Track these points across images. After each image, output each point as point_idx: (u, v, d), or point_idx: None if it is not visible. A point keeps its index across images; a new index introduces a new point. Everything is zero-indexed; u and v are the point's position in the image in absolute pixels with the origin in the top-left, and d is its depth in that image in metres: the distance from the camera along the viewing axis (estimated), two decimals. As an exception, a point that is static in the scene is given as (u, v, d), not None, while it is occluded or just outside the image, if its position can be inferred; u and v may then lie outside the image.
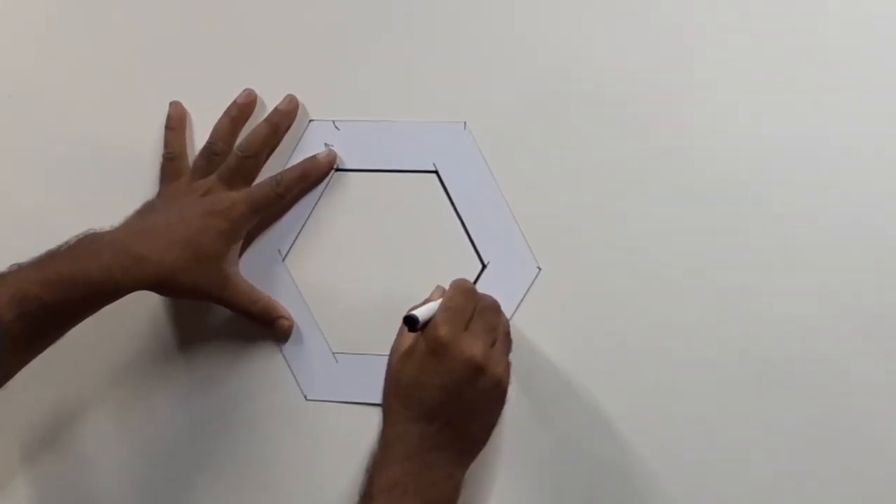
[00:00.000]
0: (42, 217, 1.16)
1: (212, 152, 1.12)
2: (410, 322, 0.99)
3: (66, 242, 1.06)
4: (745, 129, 1.03)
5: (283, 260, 1.12)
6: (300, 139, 1.12)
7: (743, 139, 1.03)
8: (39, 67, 1.17)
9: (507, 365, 1.03)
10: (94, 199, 1.14)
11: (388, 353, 1.08)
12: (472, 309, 1.01)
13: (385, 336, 1.09)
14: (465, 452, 1.02)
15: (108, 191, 1.14)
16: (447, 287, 1.02)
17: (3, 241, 1.15)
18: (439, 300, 1.01)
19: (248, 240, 1.12)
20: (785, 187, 1.02)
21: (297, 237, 1.12)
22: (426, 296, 1.08)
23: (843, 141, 1.01)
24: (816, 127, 1.01)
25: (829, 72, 1.01)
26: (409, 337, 1.00)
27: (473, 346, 0.99)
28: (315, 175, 1.11)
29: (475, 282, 1.08)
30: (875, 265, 1.00)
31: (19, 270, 1.04)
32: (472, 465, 1.06)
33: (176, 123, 1.13)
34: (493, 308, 1.03)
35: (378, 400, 1.09)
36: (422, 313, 1.00)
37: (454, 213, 1.09)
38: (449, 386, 0.99)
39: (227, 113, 1.12)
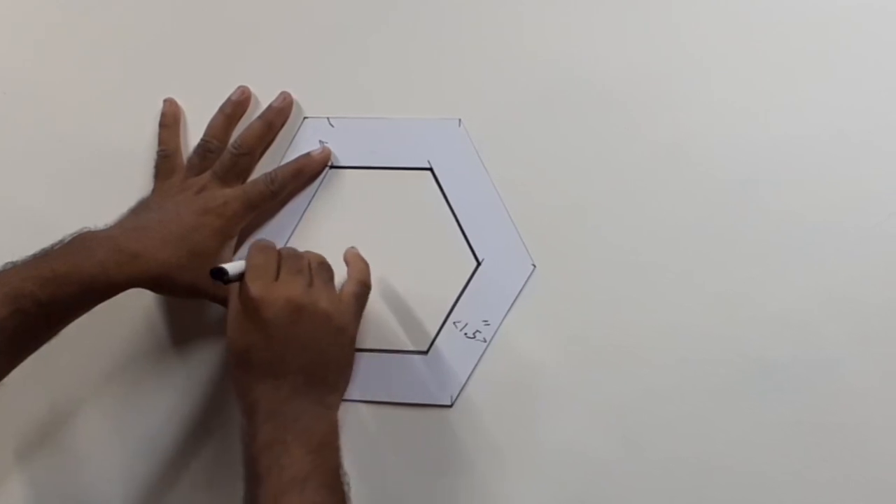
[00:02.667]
0: (36, 215, 1.15)
1: (206, 149, 1.12)
2: (219, 273, 0.99)
3: (61, 240, 1.06)
4: (742, 129, 1.03)
5: (278, 257, 1.12)
6: (295, 136, 1.12)
7: (739, 139, 1.03)
8: (33, 65, 1.17)
9: (335, 297, 1.03)
10: (89, 196, 1.14)
11: (383, 349, 1.09)
12: (275, 262, 1.01)
13: (380, 332, 1.09)
14: (327, 392, 1.02)
15: (103, 188, 1.14)
16: None
17: (-3, 239, 1.16)
18: (244, 261, 1.02)
19: (243, 237, 1.11)
20: (781, 187, 1.02)
21: (291, 234, 1.12)
22: (420, 292, 1.09)
23: (840, 141, 1.01)
24: (813, 127, 1.01)
25: (826, 72, 1.01)
26: (233, 310, 1.01)
27: (287, 289, 1.00)
28: (309, 172, 1.11)
29: (470, 279, 1.08)
30: (872, 266, 1.01)
31: (13, 268, 1.04)
32: (462, 462, 1.06)
33: (170, 120, 1.13)
34: (293, 253, 1.03)
35: (373, 397, 1.10)
36: (231, 267, 1.00)
37: (449, 211, 1.09)
38: (275, 334, 0.99)
39: (221, 110, 1.12)
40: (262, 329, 0.99)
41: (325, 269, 1.05)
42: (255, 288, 0.99)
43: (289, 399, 0.99)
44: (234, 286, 1.01)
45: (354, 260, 1.07)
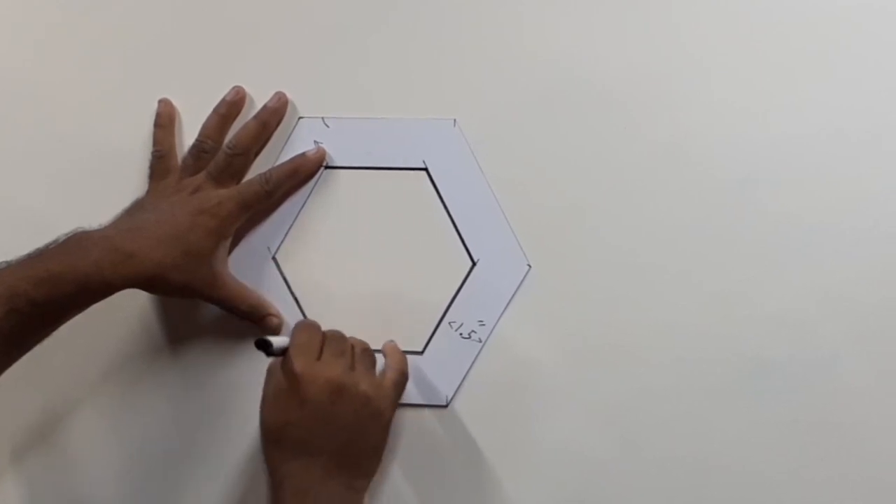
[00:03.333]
0: (34, 215, 1.15)
1: (201, 150, 1.11)
2: (264, 345, 1.01)
3: (56, 240, 1.05)
4: (740, 129, 1.03)
5: (273, 257, 1.12)
6: (290, 136, 1.12)
7: (737, 138, 1.03)
8: (32, 65, 1.16)
9: (375, 381, 1.04)
10: (84, 196, 1.14)
11: (379, 350, 1.09)
12: (319, 341, 1.03)
13: (375, 333, 1.09)
14: (357, 476, 1.04)
15: (98, 189, 1.14)
16: None
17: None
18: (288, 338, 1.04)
19: (238, 237, 1.11)
20: (779, 187, 1.02)
21: (286, 234, 1.12)
22: (416, 292, 1.09)
23: (838, 141, 1.01)
24: (811, 127, 1.02)
25: (825, 72, 1.01)
26: (272, 385, 1.02)
27: (329, 370, 1.02)
28: (304, 172, 1.11)
29: (465, 279, 1.08)
30: (869, 265, 1.01)
31: (8, 268, 1.04)
32: (458, 463, 1.06)
33: (165, 121, 1.13)
34: (338, 336, 1.05)
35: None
36: (275, 340, 1.02)
37: (444, 211, 1.09)
38: (316, 412, 1.01)
39: (216, 110, 1.12)
40: (300, 406, 1.01)
41: (368, 355, 1.06)
42: (298, 364, 1.01)
43: (320, 480, 1.00)
44: (275, 361, 1.03)
45: (393, 351, 1.08)
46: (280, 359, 1.03)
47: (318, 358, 1.02)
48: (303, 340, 1.03)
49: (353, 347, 1.05)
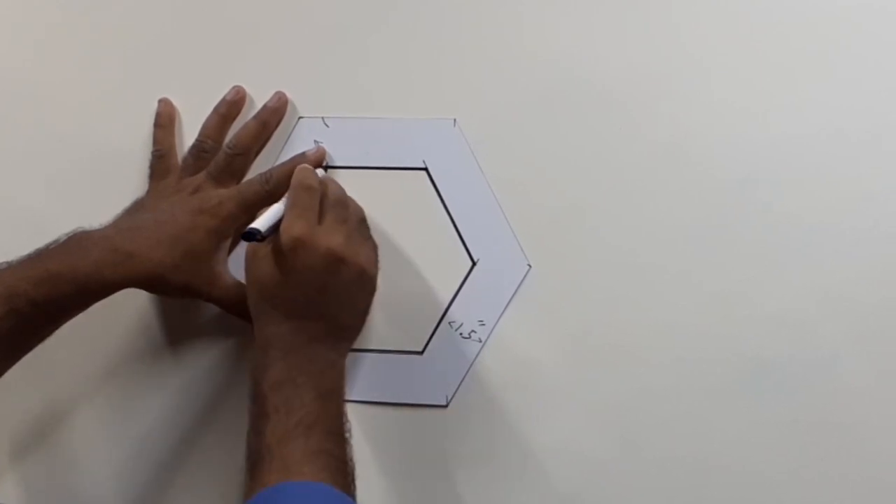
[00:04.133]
0: (34, 215, 1.15)
1: (201, 150, 1.12)
2: (251, 235, 1.00)
3: (56, 240, 1.06)
4: (740, 129, 1.03)
5: (273, 257, 1.12)
6: (290, 136, 1.12)
7: (737, 138, 1.03)
8: (28, 66, 1.16)
9: (370, 251, 1.05)
10: (84, 196, 1.14)
11: (378, 349, 1.09)
12: (318, 202, 1.02)
13: (375, 333, 1.09)
14: (342, 340, 1.04)
15: (98, 189, 1.14)
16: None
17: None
18: (276, 206, 1.03)
19: (238, 237, 1.11)
20: (779, 187, 1.02)
21: (286, 234, 1.11)
22: (416, 292, 1.09)
23: (838, 141, 1.01)
24: (811, 127, 1.02)
25: (825, 72, 1.01)
26: (261, 247, 1.01)
27: (331, 239, 1.01)
28: (305, 172, 1.11)
29: (465, 279, 1.08)
30: (869, 265, 1.01)
31: (8, 268, 1.04)
32: (458, 462, 1.06)
33: (165, 121, 1.13)
34: (341, 200, 1.05)
35: (368, 397, 1.10)
36: (262, 224, 1.01)
37: (444, 211, 1.09)
38: (313, 281, 1.00)
39: (216, 110, 1.12)
40: (297, 272, 1.00)
41: (365, 225, 1.06)
42: (297, 228, 1.00)
43: (307, 343, 1.00)
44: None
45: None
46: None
47: (319, 222, 1.01)
48: (304, 201, 1.01)
49: (353, 215, 1.05)
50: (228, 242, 1.10)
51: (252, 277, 1.02)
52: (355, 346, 1.09)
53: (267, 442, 0.95)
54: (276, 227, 1.02)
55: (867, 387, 1.01)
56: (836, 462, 1.02)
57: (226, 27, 1.13)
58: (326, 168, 1.11)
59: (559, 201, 1.07)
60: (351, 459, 0.98)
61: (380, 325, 1.10)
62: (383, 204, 1.10)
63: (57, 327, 1.06)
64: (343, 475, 0.96)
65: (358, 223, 1.05)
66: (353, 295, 1.04)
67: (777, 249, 1.02)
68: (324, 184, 1.05)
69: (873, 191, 1.01)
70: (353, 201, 1.06)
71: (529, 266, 1.07)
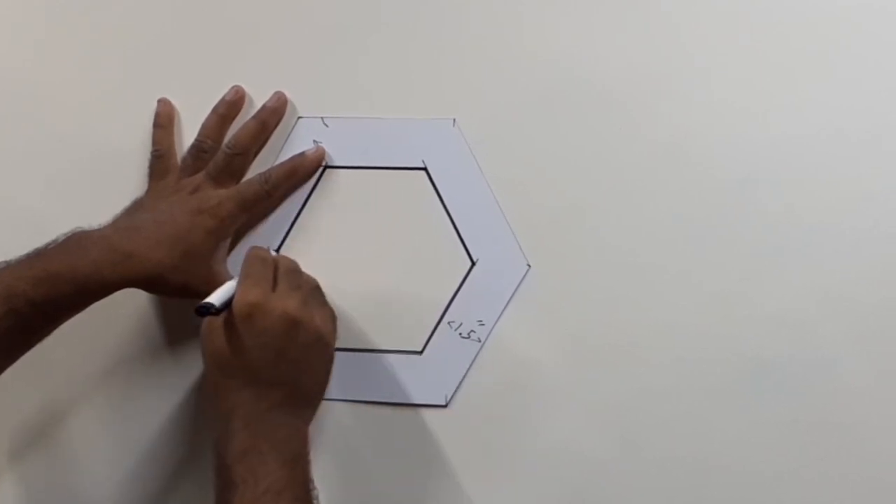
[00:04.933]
0: (31, 215, 1.15)
1: (200, 150, 1.12)
2: (205, 310, 0.99)
3: (55, 240, 1.05)
4: (740, 129, 1.03)
5: (272, 257, 1.12)
6: (289, 136, 1.12)
7: (737, 138, 1.03)
8: (28, 66, 1.16)
9: (326, 316, 1.04)
10: (84, 196, 1.14)
11: (377, 349, 1.08)
12: (272, 273, 1.02)
13: (375, 332, 1.09)
14: (304, 407, 1.02)
15: (98, 189, 1.14)
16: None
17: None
18: (228, 283, 1.02)
19: (237, 237, 1.11)
20: (779, 187, 1.02)
21: (286, 235, 1.12)
22: (415, 292, 1.09)
23: (838, 141, 1.01)
24: (811, 127, 1.02)
25: (825, 72, 1.01)
26: (215, 319, 1.00)
27: (286, 303, 1.00)
28: (304, 172, 1.11)
29: (464, 279, 1.08)
30: (869, 265, 1.01)
31: (7, 268, 1.04)
32: (457, 462, 1.06)
33: (164, 121, 1.13)
34: (293, 268, 1.04)
35: (368, 397, 1.10)
36: (216, 298, 1.00)
37: (443, 210, 1.09)
38: (270, 344, 0.99)
39: (215, 110, 1.12)
40: (256, 335, 0.99)
41: (320, 293, 1.06)
42: (252, 295, 0.99)
43: (268, 410, 0.99)
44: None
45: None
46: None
47: (273, 290, 1.01)
48: (257, 271, 1.01)
49: (307, 283, 1.04)
50: (227, 242, 1.10)
51: (208, 351, 1.01)
52: (354, 346, 1.09)
53: None
54: (229, 302, 1.00)
55: (867, 387, 1.01)
56: (836, 462, 1.02)
57: (225, 27, 1.13)
58: (325, 168, 1.11)
59: (559, 201, 1.06)
60: None
61: (380, 325, 1.10)
62: (383, 204, 1.10)
63: (55, 327, 1.06)
64: None
65: (312, 290, 1.05)
66: (311, 359, 1.02)
67: (777, 249, 1.02)
68: (276, 258, 1.05)
69: (873, 191, 1.01)
70: (305, 273, 1.06)
71: (529, 266, 1.07)
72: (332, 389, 1.09)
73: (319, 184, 1.11)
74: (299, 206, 1.11)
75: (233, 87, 1.12)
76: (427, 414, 1.09)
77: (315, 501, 0.98)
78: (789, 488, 1.03)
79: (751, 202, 1.03)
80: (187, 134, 1.13)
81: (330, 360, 1.04)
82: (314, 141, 1.11)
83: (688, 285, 1.04)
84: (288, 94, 1.11)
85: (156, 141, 1.12)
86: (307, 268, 1.10)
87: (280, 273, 1.02)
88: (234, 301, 0.99)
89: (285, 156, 1.11)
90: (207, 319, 1.01)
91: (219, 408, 0.99)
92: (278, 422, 0.99)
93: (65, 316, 1.06)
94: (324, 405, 1.08)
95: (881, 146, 1.01)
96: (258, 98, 1.12)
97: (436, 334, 1.09)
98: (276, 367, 0.99)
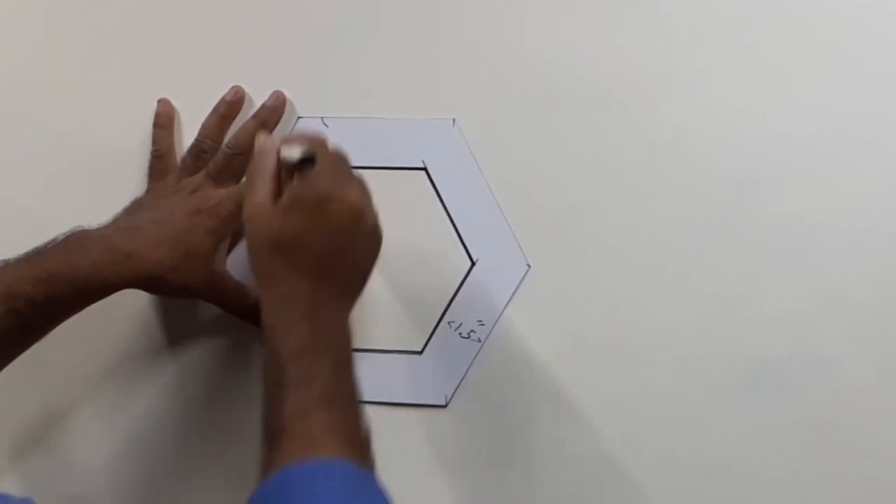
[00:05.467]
0: (31, 215, 1.15)
1: (200, 150, 1.11)
2: (311, 161, 0.95)
3: (54, 239, 1.05)
4: (739, 129, 1.03)
5: (272, 257, 1.12)
6: (289, 136, 1.12)
7: (737, 138, 1.03)
8: (28, 66, 1.16)
9: (377, 212, 1.01)
10: (84, 196, 1.14)
11: (377, 349, 1.08)
12: (342, 161, 1.00)
13: (375, 332, 1.09)
14: (350, 304, 1.00)
15: (98, 189, 1.14)
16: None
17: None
18: (295, 143, 0.98)
19: (237, 237, 1.11)
20: (779, 187, 1.02)
21: (286, 234, 1.11)
22: (415, 292, 1.09)
23: (838, 141, 1.01)
24: (811, 127, 1.02)
25: (825, 72, 1.01)
26: (268, 189, 0.97)
27: (352, 193, 0.97)
28: (304, 171, 1.10)
29: (464, 279, 1.08)
30: (869, 265, 1.01)
31: (6, 267, 1.04)
32: (457, 462, 1.06)
33: (164, 121, 1.13)
34: (346, 155, 1.01)
35: (368, 397, 1.09)
36: (297, 151, 0.96)
37: (443, 210, 1.09)
38: (336, 235, 0.96)
39: (215, 110, 1.12)
40: (322, 223, 0.96)
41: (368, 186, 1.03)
42: (327, 179, 0.97)
43: (324, 304, 0.96)
44: (297, 177, 0.97)
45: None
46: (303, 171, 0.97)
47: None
48: (331, 156, 0.98)
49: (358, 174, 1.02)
50: (227, 242, 1.10)
51: (263, 231, 0.97)
52: (354, 346, 1.08)
53: (288, 414, 0.92)
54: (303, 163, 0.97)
55: (867, 387, 1.01)
56: (836, 462, 1.02)
57: (225, 27, 1.13)
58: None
59: (559, 201, 1.06)
60: (368, 429, 0.95)
61: (379, 325, 1.10)
62: (382, 204, 1.08)
63: (55, 326, 1.06)
64: (365, 448, 0.93)
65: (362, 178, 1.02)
66: (367, 254, 1.00)
67: (777, 249, 1.02)
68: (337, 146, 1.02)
69: (873, 191, 1.01)
70: None
71: (528, 266, 1.07)
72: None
73: (319, 184, 1.11)
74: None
75: (233, 87, 1.12)
76: (427, 414, 1.09)
77: (363, 406, 0.96)
78: (789, 488, 1.03)
79: (751, 202, 1.03)
80: (187, 134, 1.13)
81: (377, 257, 1.01)
82: (314, 141, 1.11)
83: (688, 285, 1.04)
84: (288, 94, 1.11)
85: (156, 141, 1.12)
86: (307, 268, 1.10)
87: (339, 156, 1.00)
88: (307, 185, 0.96)
89: (285, 155, 1.11)
90: (260, 200, 0.97)
91: (271, 297, 0.96)
92: (332, 319, 0.96)
93: (65, 315, 1.06)
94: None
95: (881, 146, 1.01)
96: (258, 98, 1.12)
97: (436, 334, 1.09)
98: (336, 259, 0.97)
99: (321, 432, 0.91)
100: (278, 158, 0.98)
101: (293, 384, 0.93)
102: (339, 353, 0.96)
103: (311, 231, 0.96)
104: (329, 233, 0.96)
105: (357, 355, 1.08)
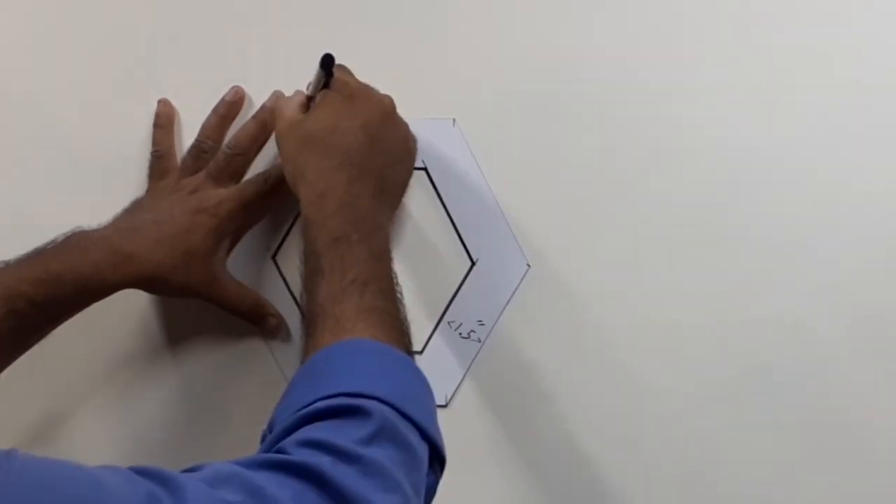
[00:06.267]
0: (31, 215, 1.15)
1: (200, 150, 1.11)
2: (330, 58, 0.99)
3: (54, 240, 1.05)
4: (738, 129, 1.03)
5: (272, 257, 1.12)
6: (289, 136, 1.12)
7: (735, 138, 1.03)
8: (28, 66, 1.16)
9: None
10: (84, 196, 1.14)
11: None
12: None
13: (374, 333, 1.09)
14: (388, 205, 1.02)
15: (98, 189, 1.13)
16: None
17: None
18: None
19: (237, 237, 1.11)
20: (778, 186, 1.02)
21: (286, 235, 1.12)
22: (415, 292, 1.09)
23: (838, 140, 1.01)
24: (811, 126, 1.02)
25: (825, 72, 1.01)
26: (296, 111, 1.01)
27: (380, 94, 1.02)
28: (304, 171, 1.11)
29: (464, 279, 1.08)
30: (869, 265, 1.01)
31: (6, 268, 1.04)
32: (458, 462, 1.06)
33: (164, 121, 1.13)
34: None
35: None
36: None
37: (443, 210, 1.09)
38: (367, 126, 1.00)
39: (215, 110, 1.12)
40: (354, 115, 0.99)
41: None
42: (352, 79, 1.01)
43: (361, 197, 0.98)
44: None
45: None
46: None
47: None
48: (346, 72, 1.03)
49: None
50: (228, 242, 1.10)
51: (295, 134, 1.00)
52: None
53: (320, 301, 0.93)
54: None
55: (867, 388, 1.01)
56: (836, 462, 1.02)
57: (225, 27, 1.13)
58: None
59: (558, 201, 1.06)
60: (405, 318, 0.95)
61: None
62: (382, 204, 1.10)
63: (55, 327, 1.06)
64: (398, 332, 0.94)
65: None
66: (400, 155, 1.03)
67: (777, 249, 1.02)
68: None
69: (873, 191, 1.01)
70: None
71: (529, 266, 1.07)
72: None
73: (319, 184, 1.11)
74: (299, 207, 1.11)
75: (233, 88, 1.12)
76: (427, 414, 1.09)
77: (399, 295, 0.97)
78: (789, 488, 1.03)
79: (751, 202, 1.03)
80: (187, 134, 1.13)
81: (412, 167, 1.05)
82: (314, 141, 1.11)
83: (687, 285, 1.04)
84: (288, 94, 1.11)
85: (156, 141, 1.12)
86: (307, 268, 1.10)
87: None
88: (336, 79, 1.00)
89: (285, 156, 1.11)
90: (290, 115, 1.01)
91: (308, 191, 0.98)
92: (369, 211, 0.98)
93: (65, 316, 1.06)
94: (324, 405, 1.08)
95: (881, 146, 1.01)
96: (258, 98, 1.12)
97: (436, 334, 1.09)
98: (370, 154, 0.99)
99: (352, 315, 0.92)
100: (305, 98, 1.03)
101: (327, 271, 0.94)
102: (374, 243, 0.96)
103: (343, 123, 0.99)
104: (362, 124, 0.99)
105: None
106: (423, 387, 0.90)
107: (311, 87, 1.04)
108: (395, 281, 0.97)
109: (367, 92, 1.02)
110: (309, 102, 1.04)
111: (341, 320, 0.91)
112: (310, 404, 0.85)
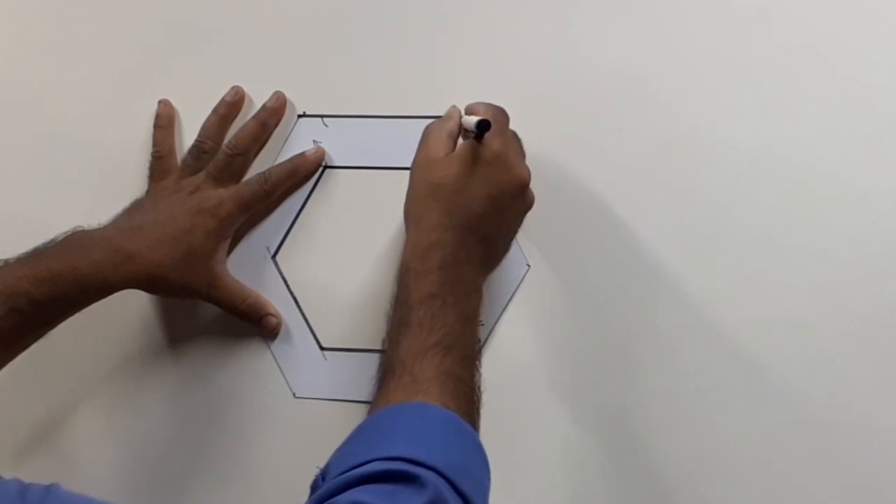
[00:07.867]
0: (31, 215, 1.15)
1: (200, 150, 1.12)
2: (486, 125, 0.97)
3: (54, 239, 1.06)
4: (738, 129, 1.03)
5: (272, 257, 1.12)
6: (289, 136, 1.12)
7: (734, 138, 1.03)
8: (28, 66, 1.17)
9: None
10: (84, 196, 1.14)
11: (378, 349, 1.08)
12: (513, 132, 1.02)
13: (374, 333, 1.09)
14: (489, 268, 1.02)
15: (98, 189, 1.14)
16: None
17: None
18: (478, 110, 1.01)
19: (237, 237, 1.11)
20: (778, 186, 1.02)
21: (285, 234, 1.12)
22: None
23: (836, 139, 1.01)
24: (810, 125, 1.02)
25: (825, 71, 1.01)
26: (443, 145, 1.00)
27: (522, 165, 1.01)
28: (304, 172, 1.11)
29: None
30: (868, 265, 1.01)
31: (7, 267, 1.04)
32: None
33: (165, 122, 1.13)
34: (520, 139, 1.04)
35: (368, 397, 1.09)
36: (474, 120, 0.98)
37: (443, 210, 1.09)
38: (496, 197, 0.99)
39: (215, 111, 1.12)
40: (488, 184, 0.98)
41: None
42: (499, 143, 0.99)
43: (466, 261, 0.97)
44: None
45: None
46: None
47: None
48: (500, 120, 1.00)
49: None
50: (228, 242, 1.10)
51: (427, 177, 0.99)
52: (355, 346, 1.09)
53: (401, 356, 0.93)
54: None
55: (867, 388, 1.01)
56: (835, 462, 1.02)
57: (225, 27, 1.13)
58: (325, 168, 1.11)
59: (558, 201, 1.06)
60: (479, 388, 0.95)
61: (380, 325, 1.09)
62: (383, 204, 1.10)
63: (55, 326, 1.06)
64: (469, 402, 0.93)
65: None
66: (516, 223, 1.03)
67: (776, 249, 1.02)
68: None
69: (873, 191, 1.01)
70: None
71: (529, 266, 1.07)
72: (329, 389, 1.09)
73: (319, 184, 1.11)
74: (299, 206, 1.11)
75: (233, 88, 1.12)
76: (427, 414, 1.09)
77: (478, 362, 0.96)
78: (789, 488, 1.03)
79: (751, 202, 1.03)
80: (187, 135, 1.13)
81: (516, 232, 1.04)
82: (314, 141, 1.11)
83: (687, 285, 1.04)
84: (288, 94, 1.11)
85: (156, 142, 1.13)
86: (307, 267, 1.10)
87: (511, 131, 1.02)
88: (483, 143, 0.98)
89: (285, 156, 1.11)
90: (433, 152, 0.99)
91: (418, 240, 0.98)
92: (468, 276, 0.98)
93: (65, 315, 1.06)
94: (323, 405, 1.08)
95: (881, 146, 1.00)
96: (258, 98, 1.12)
97: (436, 334, 1.09)
98: (488, 223, 0.99)
99: (431, 377, 0.91)
100: (459, 125, 1.02)
101: (415, 325, 0.94)
102: (466, 308, 0.96)
103: (474, 185, 0.98)
104: (491, 193, 0.98)
105: (356, 356, 1.09)
106: (481, 463, 0.90)
107: (465, 119, 1.01)
108: (478, 347, 0.98)
109: (508, 162, 0.99)
110: (459, 131, 1.02)
111: (418, 380, 0.91)
112: (367, 462, 0.84)
